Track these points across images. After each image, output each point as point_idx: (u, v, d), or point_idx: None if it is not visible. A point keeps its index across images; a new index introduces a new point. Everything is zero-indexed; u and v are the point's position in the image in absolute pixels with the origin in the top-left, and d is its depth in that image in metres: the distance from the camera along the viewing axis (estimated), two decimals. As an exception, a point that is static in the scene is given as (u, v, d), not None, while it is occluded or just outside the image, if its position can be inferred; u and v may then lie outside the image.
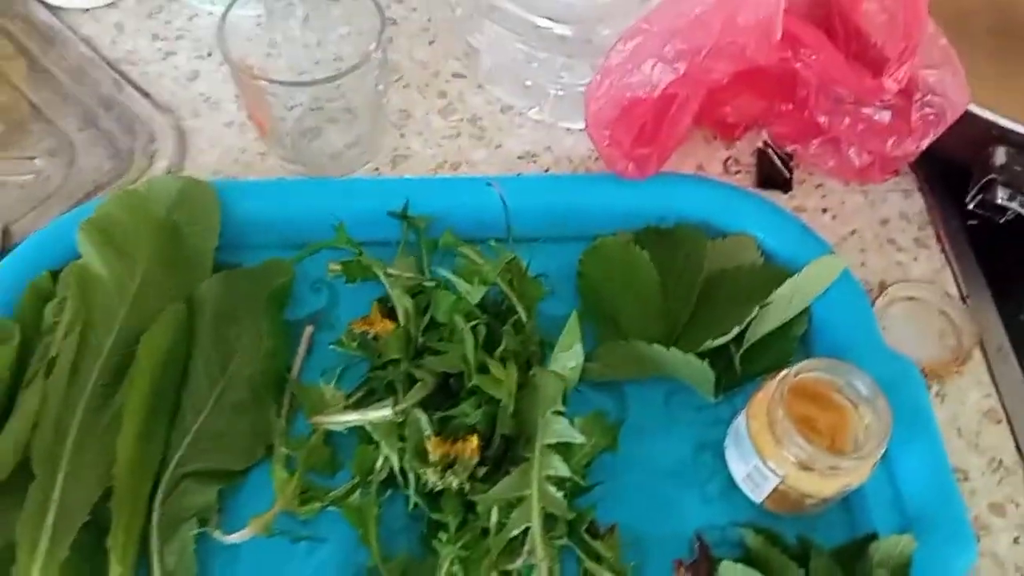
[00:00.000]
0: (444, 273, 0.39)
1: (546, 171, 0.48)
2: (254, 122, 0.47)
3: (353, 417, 0.36)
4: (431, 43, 0.53)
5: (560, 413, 0.35)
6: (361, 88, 0.44)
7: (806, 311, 0.41)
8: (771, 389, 0.35)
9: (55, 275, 0.39)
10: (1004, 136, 0.43)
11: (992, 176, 0.43)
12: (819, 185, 0.49)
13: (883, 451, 0.33)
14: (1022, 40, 0.51)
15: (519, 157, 0.49)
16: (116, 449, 0.33)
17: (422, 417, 0.36)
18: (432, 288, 0.40)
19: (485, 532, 0.34)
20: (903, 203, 0.48)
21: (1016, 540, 0.38)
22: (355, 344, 0.39)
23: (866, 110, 0.44)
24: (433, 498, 0.35)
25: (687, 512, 0.37)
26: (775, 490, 0.35)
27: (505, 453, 0.37)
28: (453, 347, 0.38)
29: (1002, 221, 0.44)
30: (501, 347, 0.38)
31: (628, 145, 0.43)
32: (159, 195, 0.41)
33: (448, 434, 0.36)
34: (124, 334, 0.37)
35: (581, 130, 0.47)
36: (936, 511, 0.35)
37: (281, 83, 0.42)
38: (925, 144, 0.43)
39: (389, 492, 0.36)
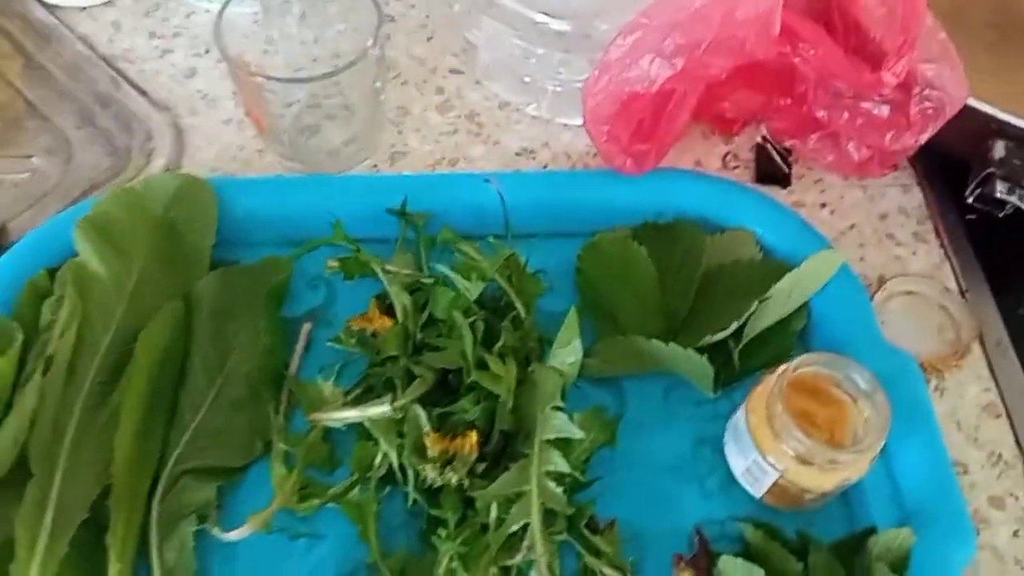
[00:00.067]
0: (442, 269, 0.39)
1: (544, 167, 0.48)
2: (252, 119, 0.47)
3: (352, 414, 0.36)
4: (429, 39, 0.53)
5: (559, 409, 0.35)
6: (359, 85, 0.44)
7: (805, 306, 0.41)
8: (770, 384, 0.35)
9: (52, 273, 0.39)
10: (1003, 130, 0.43)
11: (991, 170, 0.43)
12: (818, 180, 0.49)
13: (882, 445, 0.33)
14: (1021, 34, 0.51)
15: (517, 153, 0.49)
16: (114, 446, 0.33)
17: (421, 413, 0.36)
18: (430, 285, 0.40)
19: (484, 528, 0.34)
20: (902, 197, 0.48)
21: (1016, 533, 0.38)
22: (353, 341, 0.39)
23: (865, 104, 0.44)
24: (432, 494, 0.35)
25: (686, 507, 0.37)
26: (774, 484, 0.35)
27: (504, 449, 0.36)
28: (452, 343, 0.38)
29: (1001, 215, 0.44)
30: (500, 343, 0.37)
31: (626, 140, 0.43)
32: (156, 192, 0.41)
33: (447, 430, 0.36)
34: (121, 332, 0.37)
35: (579, 126, 0.46)
36: (935, 505, 0.35)
37: (279, 80, 0.42)
38: (924, 138, 0.43)
39: (388, 488, 0.36)
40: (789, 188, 0.48)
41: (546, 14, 0.46)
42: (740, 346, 0.40)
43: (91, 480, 0.33)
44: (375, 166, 0.48)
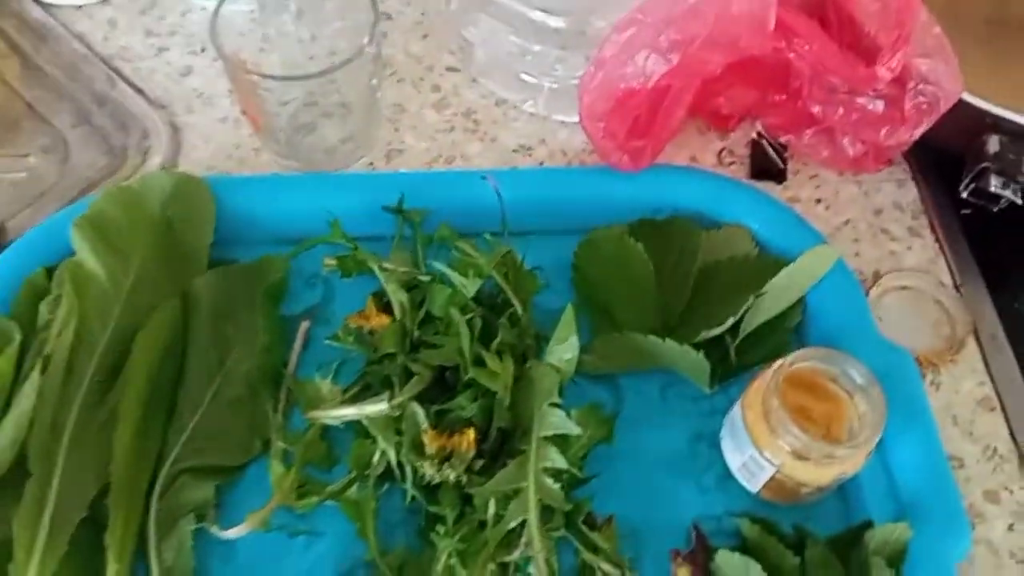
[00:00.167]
0: (439, 267, 0.39)
1: (541, 164, 0.48)
2: (248, 118, 0.47)
3: (350, 412, 0.36)
4: (425, 37, 0.53)
5: (556, 405, 0.35)
6: (355, 83, 0.44)
7: (801, 301, 0.41)
8: (766, 379, 0.35)
9: (50, 272, 0.39)
10: (997, 124, 0.43)
11: (985, 164, 0.43)
12: (813, 175, 0.49)
13: (878, 440, 0.34)
14: (1015, 28, 0.51)
15: (513, 151, 0.49)
16: (112, 446, 0.34)
17: (419, 411, 0.36)
18: (428, 282, 0.40)
19: (482, 525, 0.34)
20: (897, 193, 0.48)
21: (1011, 527, 0.38)
22: (351, 339, 0.39)
23: (860, 100, 0.44)
24: (430, 491, 0.35)
25: (684, 502, 0.37)
26: (771, 479, 0.36)
27: (502, 446, 0.37)
28: (449, 341, 0.38)
29: (995, 210, 0.44)
30: (497, 340, 0.38)
31: (622, 137, 0.43)
32: (153, 191, 0.41)
33: (445, 427, 0.36)
34: (119, 331, 0.37)
35: (575, 123, 0.46)
36: (931, 499, 0.35)
37: (274, 78, 0.42)
38: (919, 133, 0.43)
39: (386, 486, 0.36)
40: (784, 184, 0.48)
41: (542, 11, 0.46)
42: (736, 342, 0.40)
43: (89, 479, 0.33)
44: (372, 164, 0.48)
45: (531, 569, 0.33)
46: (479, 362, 0.37)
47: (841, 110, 0.44)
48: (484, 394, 0.37)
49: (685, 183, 0.44)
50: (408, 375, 0.37)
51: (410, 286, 0.40)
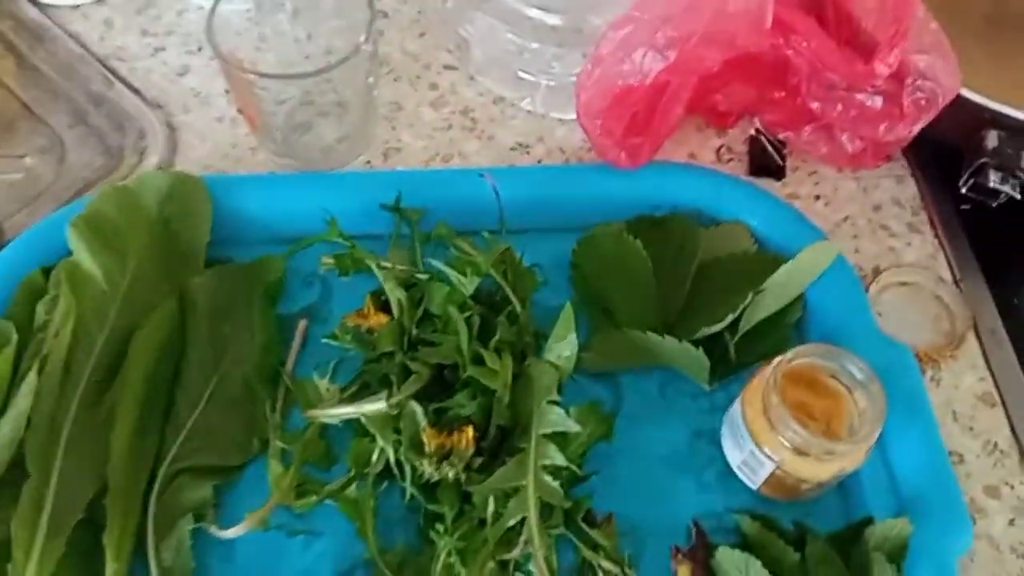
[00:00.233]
0: (437, 265, 0.39)
1: (539, 162, 0.48)
2: (244, 117, 0.47)
3: (348, 410, 0.36)
4: (422, 35, 0.53)
5: (555, 403, 0.35)
6: (351, 81, 0.44)
7: (800, 297, 0.41)
8: (766, 375, 0.35)
9: (47, 272, 0.39)
10: (996, 120, 0.43)
11: (984, 160, 0.43)
12: (812, 172, 0.49)
13: (878, 435, 0.33)
14: (1013, 23, 0.51)
15: (511, 148, 0.49)
16: (110, 446, 0.33)
17: (417, 409, 0.36)
18: (425, 280, 0.40)
19: (482, 523, 0.34)
20: (896, 189, 0.48)
21: (1011, 522, 0.38)
22: (349, 337, 0.39)
23: (858, 96, 0.44)
24: (429, 489, 0.35)
25: (684, 500, 0.37)
26: (771, 476, 0.35)
27: (501, 444, 0.36)
28: (447, 339, 0.38)
29: (995, 205, 0.44)
30: (495, 338, 0.37)
31: (620, 134, 0.43)
32: (149, 190, 0.41)
33: (443, 425, 0.36)
34: (116, 331, 0.37)
35: (573, 120, 0.46)
36: (932, 494, 0.35)
37: (270, 76, 0.42)
38: (917, 129, 0.43)
39: (385, 484, 0.36)
40: (783, 180, 0.48)
41: (539, 9, 0.46)
42: (736, 339, 0.40)
43: (87, 480, 0.33)
44: (369, 162, 0.48)
45: (531, 567, 0.33)
46: (478, 360, 0.37)
47: (840, 106, 0.44)
48: (483, 392, 0.37)
49: (683, 180, 0.44)
50: (407, 373, 0.37)
51: (408, 284, 0.40)
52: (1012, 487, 0.39)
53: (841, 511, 0.37)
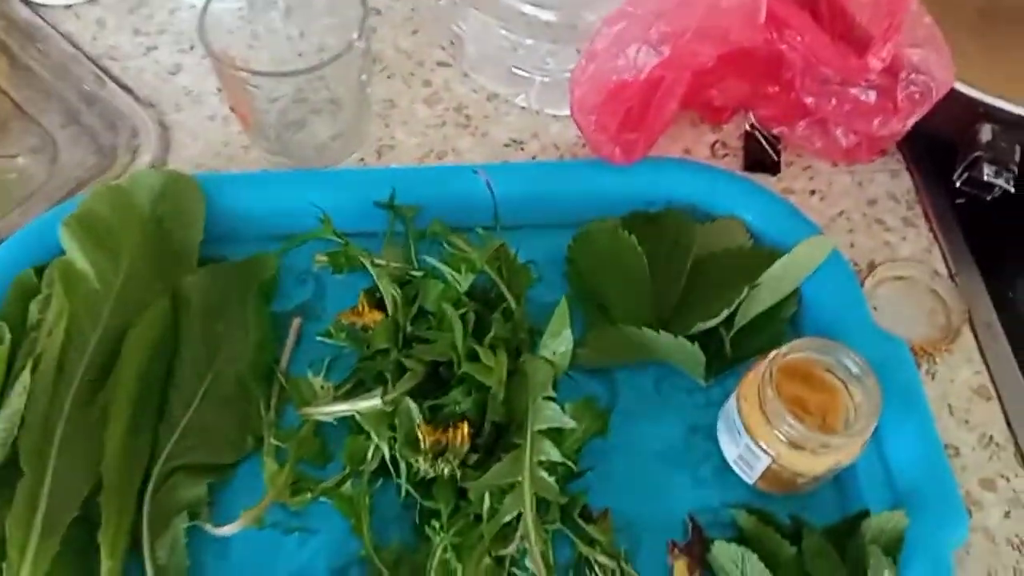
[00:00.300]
0: (432, 262, 0.39)
1: (533, 159, 0.48)
2: (237, 115, 0.47)
3: (343, 407, 0.36)
4: (415, 32, 0.53)
5: (551, 399, 0.35)
6: (345, 78, 0.44)
7: (796, 292, 0.41)
8: (761, 370, 0.35)
9: (40, 272, 0.39)
10: (990, 113, 0.43)
11: (978, 153, 0.43)
12: (807, 167, 0.49)
13: (873, 428, 0.33)
14: (1006, 17, 0.51)
15: (505, 145, 0.49)
16: (104, 444, 0.33)
17: (412, 406, 0.36)
18: (420, 277, 0.40)
19: (478, 519, 0.34)
20: (891, 183, 0.48)
21: (1007, 514, 0.38)
22: (343, 335, 0.39)
23: (852, 90, 0.44)
24: (425, 486, 0.35)
25: (680, 495, 0.37)
26: (767, 470, 0.35)
27: (497, 440, 0.36)
28: (442, 335, 0.38)
29: (989, 198, 0.44)
30: (490, 334, 0.37)
31: (614, 129, 0.42)
32: (142, 189, 0.40)
33: (439, 422, 0.36)
34: (109, 330, 0.36)
35: (567, 116, 0.46)
36: (928, 487, 0.35)
37: (262, 74, 0.41)
38: (911, 123, 0.43)
39: (380, 481, 0.36)
40: (778, 175, 0.48)
41: (533, 5, 0.46)
42: (731, 333, 0.40)
43: (82, 478, 0.33)
44: (362, 160, 0.48)
45: (527, 563, 0.33)
46: (473, 357, 0.37)
47: (834, 101, 0.44)
48: (478, 389, 0.36)
49: (678, 175, 0.44)
50: (401, 371, 0.37)
51: (403, 282, 0.40)
52: (1008, 480, 0.39)
53: (837, 505, 0.37)
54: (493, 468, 0.34)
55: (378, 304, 0.40)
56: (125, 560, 0.33)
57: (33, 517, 0.32)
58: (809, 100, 0.45)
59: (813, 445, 0.33)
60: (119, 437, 0.34)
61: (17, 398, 0.34)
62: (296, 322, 0.40)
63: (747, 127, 0.49)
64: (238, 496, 0.35)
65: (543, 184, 0.44)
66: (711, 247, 0.42)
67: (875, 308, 0.42)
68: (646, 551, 0.36)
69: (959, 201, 0.46)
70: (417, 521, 0.35)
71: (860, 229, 0.46)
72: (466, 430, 0.35)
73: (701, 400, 0.40)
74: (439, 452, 0.35)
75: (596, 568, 0.34)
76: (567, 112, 0.44)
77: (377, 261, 0.40)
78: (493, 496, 0.34)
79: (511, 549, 0.33)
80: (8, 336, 0.36)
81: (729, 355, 0.40)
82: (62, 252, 0.38)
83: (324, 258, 0.41)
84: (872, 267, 0.45)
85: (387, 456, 0.35)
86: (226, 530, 0.33)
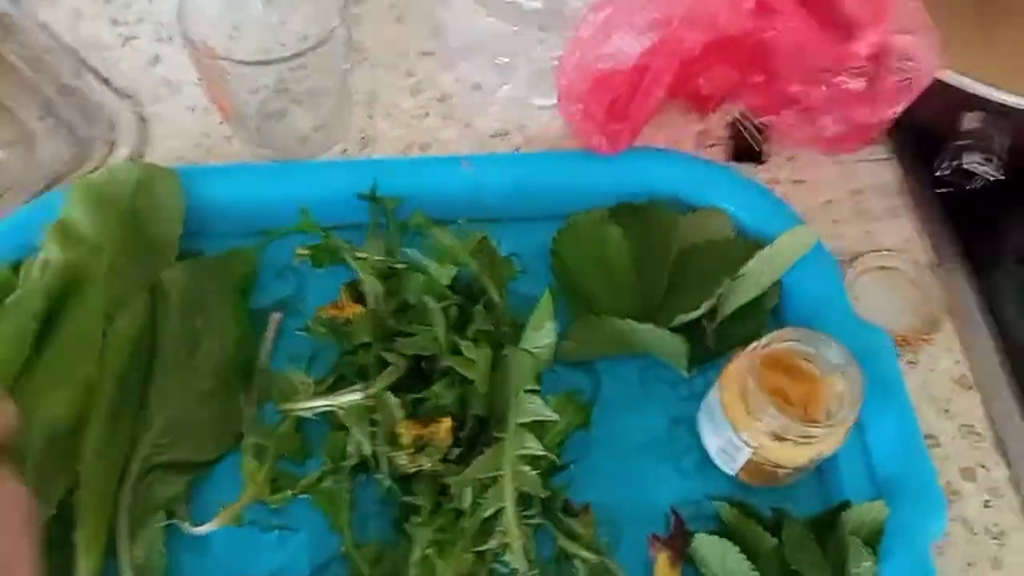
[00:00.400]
0: (414, 254, 0.39)
1: (517, 149, 0.48)
2: (217, 107, 0.46)
3: (323, 402, 0.36)
4: (398, 21, 0.52)
5: (533, 391, 0.35)
6: (326, 67, 0.43)
7: (778, 283, 0.40)
8: (743, 361, 0.35)
9: (16, 268, 0.38)
10: (975, 102, 0.43)
11: (963, 142, 0.43)
12: (792, 157, 0.48)
13: (855, 418, 0.33)
14: (994, 4, 0.50)
15: (491, 136, 0.48)
16: (81, 442, 0.33)
17: (394, 400, 0.35)
18: (402, 270, 0.39)
19: (459, 514, 0.34)
20: (877, 172, 0.48)
21: (986, 504, 0.38)
22: (323, 329, 0.39)
23: (839, 78, 0.43)
24: (406, 482, 0.35)
25: (662, 487, 0.37)
26: (749, 461, 0.35)
27: (479, 434, 0.36)
28: (424, 329, 0.37)
29: (972, 188, 0.44)
30: (473, 328, 0.37)
31: (601, 118, 0.42)
32: (120, 183, 0.40)
33: (421, 417, 0.36)
34: (87, 325, 0.36)
35: (553, 107, 0.46)
36: (907, 477, 0.35)
37: (241, 63, 0.41)
38: (898, 110, 0.42)
39: (361, 477, 0.36)
40: (764, 165, 0.48)
41: (517, -8, 0.45)
42: (714, 325, 0.39)
43: (58, 477, 0.33)
44: (345, 151, 0.47)
45: (508, 557, 0.33)
46: (455, 350, 0.36)
47: (821, 89, 0.44)
48: (460, 382, 0.36)
49: (662, 166, 0.44)
50: (383, 365, 0.37)
51: (385, 275, 0.40)
52: (987, 469, 0.39)
53: (819, 496, 0.37)
54: (474, 462, 0.34)
55: (359, 297, 0.39)
56: (102, 559, 0.32)
57: (10, 516, 0.31)
58: (796, 89, 0.44)
59: (795, 436, 0.33)
60: (96, 434, 0.33)
61: (-6, 395, 0.34)
62: (276, 317, 0.40)
63: (732, 117, 0.49)
64: (216, 493, 0.35)
65: (527, 175, 0.43)
66: (695, 238, 0.42)
67: (856, 298, 0.42)
68: (628, 544, 0.36)
69: (943, 190, 0.46)
70: (397, 517, 0.35)
71: (845, 219, 0.46)
72: (449, 424, 0.35)
73: (684, 392, 0.40)
74: (420, 447, 0.35)
75: (578, 562, 0.34)
76: (553, 102, 0.44)
77: (359, 254, 0.40)
78: (475, 491, 0.34)
79: (492, 544, 0.33)
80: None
81: (712, 347, 0.40)
82: (39, 247, 0.38)
83: (305, 252, 0.41)
84: (856, 257, 0.45)
85: (367, 452, 0.35)
86: (204, 528, 0.33)
